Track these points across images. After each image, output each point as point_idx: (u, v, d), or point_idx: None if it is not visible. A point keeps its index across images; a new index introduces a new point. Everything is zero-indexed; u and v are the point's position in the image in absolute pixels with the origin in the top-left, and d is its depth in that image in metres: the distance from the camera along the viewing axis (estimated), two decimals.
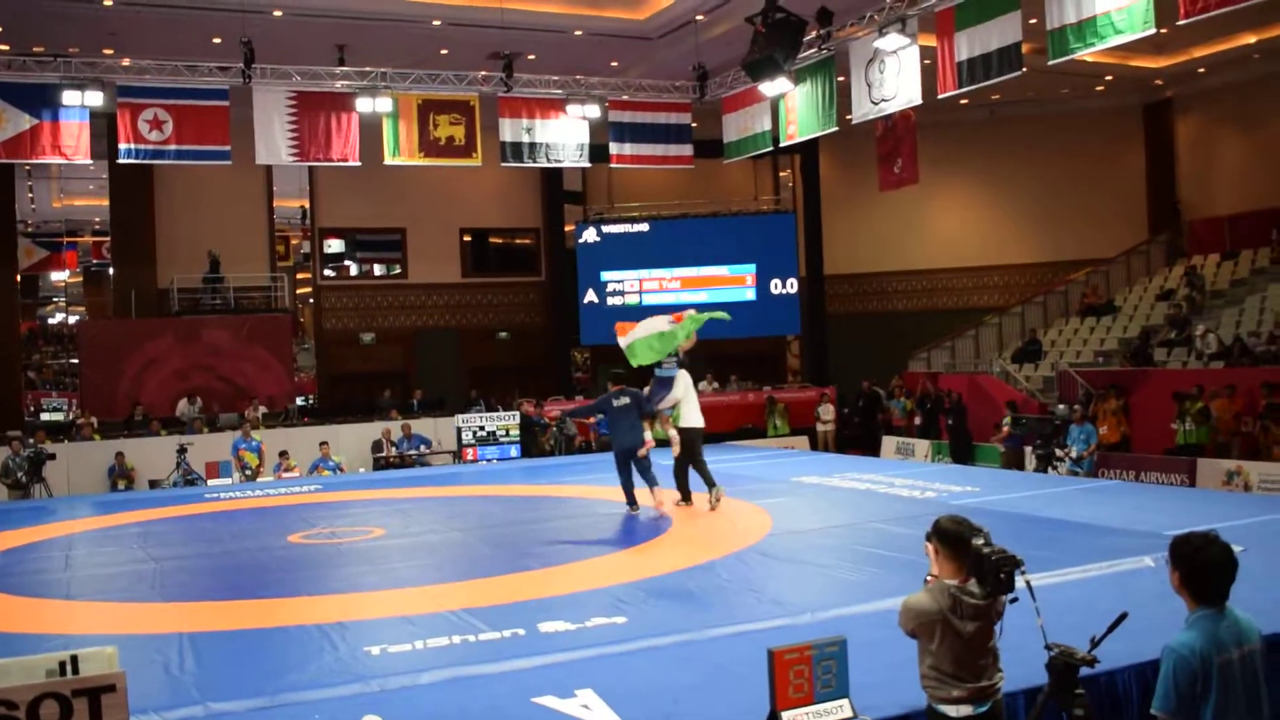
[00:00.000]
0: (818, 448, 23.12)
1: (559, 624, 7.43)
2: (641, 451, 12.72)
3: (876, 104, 17.40)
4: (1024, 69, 15.05)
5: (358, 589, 9.23)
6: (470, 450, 19.77)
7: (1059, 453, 17.17)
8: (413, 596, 8.79)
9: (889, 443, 22.78)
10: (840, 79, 18.35)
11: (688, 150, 21.96)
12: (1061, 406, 18.50)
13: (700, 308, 14.47)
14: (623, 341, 13.55)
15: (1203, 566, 4.05)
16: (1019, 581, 4.43)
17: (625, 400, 12.94)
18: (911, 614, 4.59)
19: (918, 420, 22.71)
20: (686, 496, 13.10)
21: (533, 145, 20.60)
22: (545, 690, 6.07)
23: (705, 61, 21.12)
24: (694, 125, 22.17)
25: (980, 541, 4.51)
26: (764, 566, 9.37)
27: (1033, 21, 15.04)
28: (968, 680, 4.52)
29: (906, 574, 4.66)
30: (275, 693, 6.29)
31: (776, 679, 4.66)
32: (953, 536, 4.59)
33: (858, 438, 24.24)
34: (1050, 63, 14.64)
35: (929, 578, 4.70)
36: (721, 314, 13.89)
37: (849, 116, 18.18)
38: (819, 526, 11.21)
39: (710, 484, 12.67)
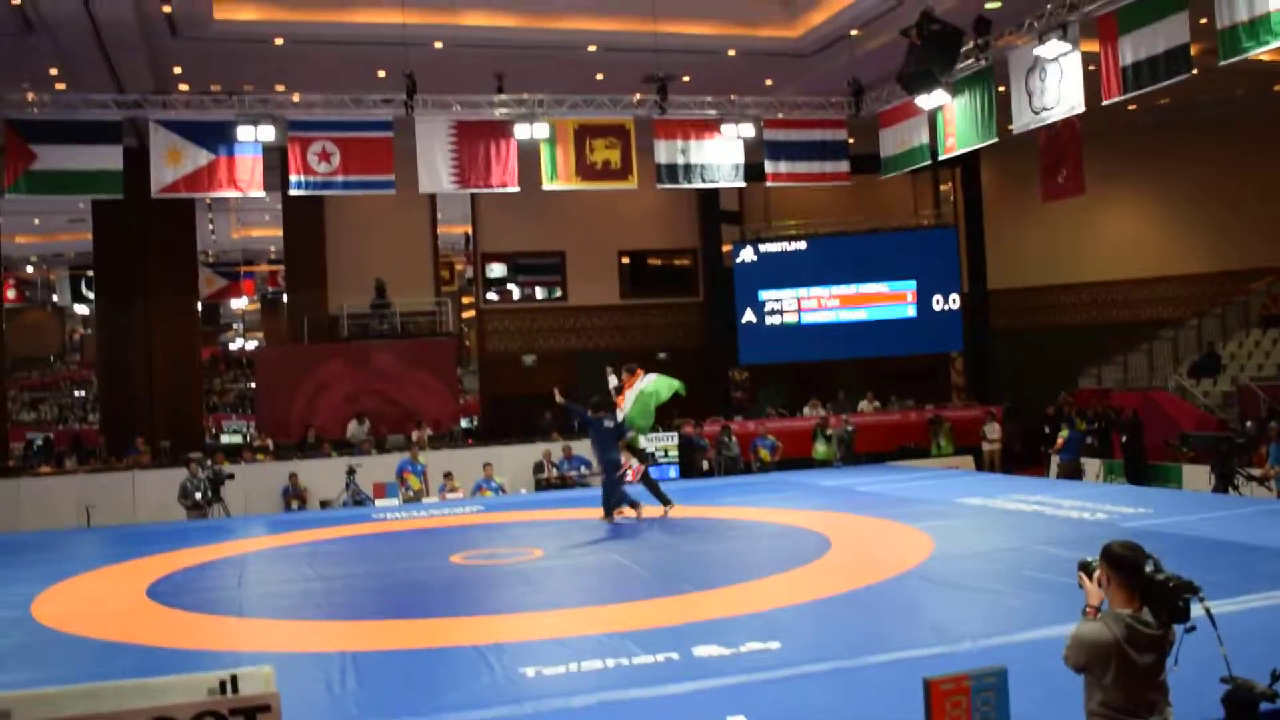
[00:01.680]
0: (983, 468, 22.53)
1: (713, 648, 7.39)
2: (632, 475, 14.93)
3: (1038, 113, 16.94)
4: (1193, 71, 14.43)
5: (516, 610, 9.35)
6: (630, 471, 19.83)
7: (1248, 473, 16.32)
8: (569, 618, 8.86)
9: (1057, 463, 22.04)
10: (1000, 88, 17.93)
11: (844, 166, 21.73)
12: (1249, 423, 17.65)
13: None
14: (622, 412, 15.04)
15: None
16: (1197, 609, 4.22)
17: (611, 424, 14.72)
18: (1084, 645, 4.36)
19: (1090, 441, 21.91)
20: (666, 502, 14.96)
21: (688, 166, 20.66)
22: (697, 716, 6.04)
23: (860, 76, 20.89)
24: (850, 141, 21.93)
25: (1151, 567, 4.32)
26: (923, 591, 9.17)
27: (1202, 21, 14.43)
28: (1140, 715, 4.31)
29: (1072, 600, 4.49)
30: (432, 712, 6.40)
31: (933, 710, 4.54)
32: (1126, 562, 4.38)
33: (1024, 456, 23.53)
34: (1221, 63, 14.01)
35: (1088, 609, 4.50)
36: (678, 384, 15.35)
37: (1010, 127, 17.74)
38: (982, 550, 10.91)
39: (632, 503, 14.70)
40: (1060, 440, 20.47)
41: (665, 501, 14.98)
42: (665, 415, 24.19)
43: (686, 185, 21.10)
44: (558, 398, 15.54)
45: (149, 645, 8.61)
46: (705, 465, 21.34)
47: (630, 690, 6.64)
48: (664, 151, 20.38)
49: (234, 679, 3.97)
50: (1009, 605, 8.34)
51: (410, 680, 7.19)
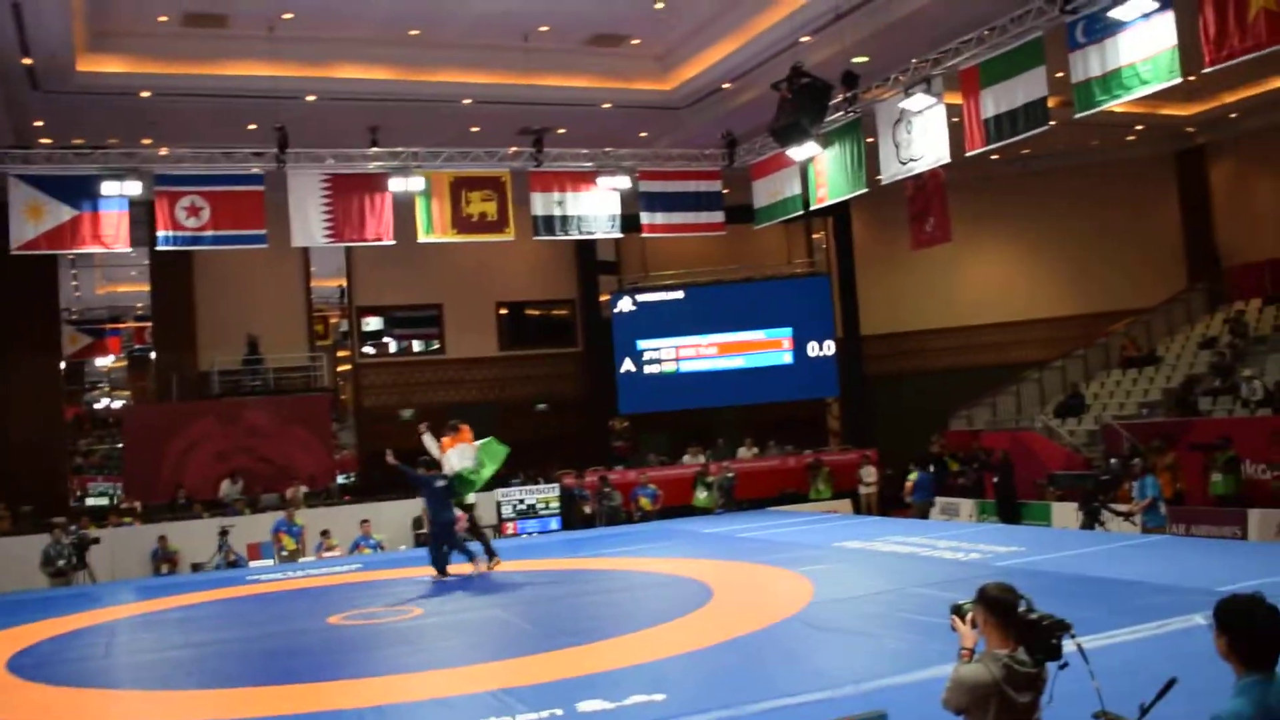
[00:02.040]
0: (860, 510, 22.87)
1: (597, 703, 7.33)
2: (459, 527, 15.03)
3: (905, 164, 17.39)
4: (1051, 123, 15.00)
5: (397, 670, 9.17)
6: (511, 524, 19.72)
7: (1114, 509, 16.81)
8: (451, 677, 8.73)
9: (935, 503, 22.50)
10: (869, 140, 18.39)
11: (719, 217, 21.99)
12: (1114, 460, 18.23)
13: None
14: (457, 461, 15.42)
15: (1249, 630, 3.92)
16: (1069, 645, 4.31)
17: (443, 483, 14.96)
18: (964, 687, 4.38)
19: (961, 481, 22.46)
20: (493, 555, 15.15)
21: (565, 218, 20.71)
22: None
23: (733, 128, 21.24)
24: (724, 192, 22.22)
25: (1024, 607, 4.40)
26: (805, 637, 9.24)
27: (1059, 75, 15.01)
28: None
29: (949, 641, 4.56)
30: None
31: None
32: (1001, 604, 4.45)
33: (898, 499, 23.96)
34: (1077, 116, 14.59)
35: (963, 651, 4.57)
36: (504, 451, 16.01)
37: (879, 177, 18.18)
38: (860, 593, 11.05)
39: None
40: (909, 484, 21.27)
41: (492, 554, 15.08)
42: (545, 466, 24.12)
43: (564, 236, 21.15)
44: (390, 459, 15.55)
45: None
46: (588, 513, 21.24)
47: None
48: (540, 203, 20.41)
49: None
50: (888, 648, 8.44)
51: None
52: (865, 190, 18.81)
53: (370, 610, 12.20)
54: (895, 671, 7.55)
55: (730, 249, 26.64)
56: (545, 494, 20.23)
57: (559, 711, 7.20)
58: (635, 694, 7.49)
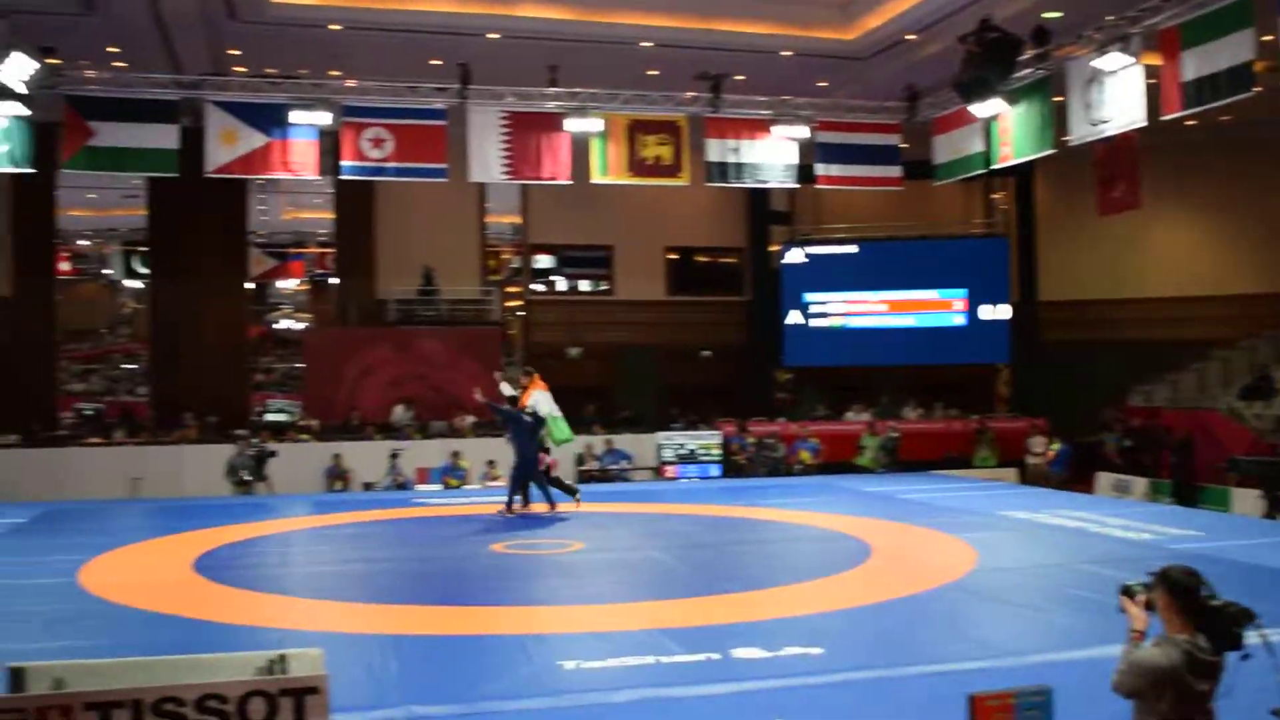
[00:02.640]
0: (1026, 481, 22.34)
1: (753, 650, 7.38)
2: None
3: (1095, 125, 16.75)
4: (1256, 89, 14.22)
5: (556, 602, 9.39)
6: (670, 468, 19.88)
7: None
8: (608, 613, 8.88)
9: (1103, 478, 21.80)
10: (1057, 99, 17.76)
11: (896, 172, 21.60)
12: None
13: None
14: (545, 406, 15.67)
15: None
16: (1253, 636, 4.16)
17: (530, 419, 15.09)
18: (1143, 671, 4.23)
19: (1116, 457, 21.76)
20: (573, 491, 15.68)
21: (739, 166, 20.61)
22: (737, 717, 6.03)
23: (916, 81, 20.76)
24: (903, 146, 21.79)
25: (1206, 593, 4.26)
26: (966, 604, 9.12)
27: (1266, 39, 14.22)
28: None
29: (1118, 621, 4.44)
30: (473, 700, 6.45)
31: None
32: (1186, 588, 4.31)
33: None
34: None
35: (1134, 634, 4.42)
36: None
37: (1066, 137, 17.57)
38: (1026, 565, 10.84)
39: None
40: (1051, 453, 20.70)
41: (573, 492, 15.55)
42: (706, 413, 24.20)
43: (737, 184, 21.06)
44: (478, 396, 15.89)
45: (194, 619, 8.72)
46: (742, 462, 21.28)
47: (670, 688, 6.65)
48: (715, 150, 20.33)
49: (283, 659, 4.02)
50: (1053, 622, 8.28)
51: (450, 667, 7.23)
52: (1052, 151, 18.20)
53: (531, 541, 12.49)
54: (1060, 647, 7.41)
55: (905, 205, 26.10)
56: (706, 440, 20.30)
57: (715, 656, 7.28)
58: (791, 645, 7.52)
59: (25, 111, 17.64)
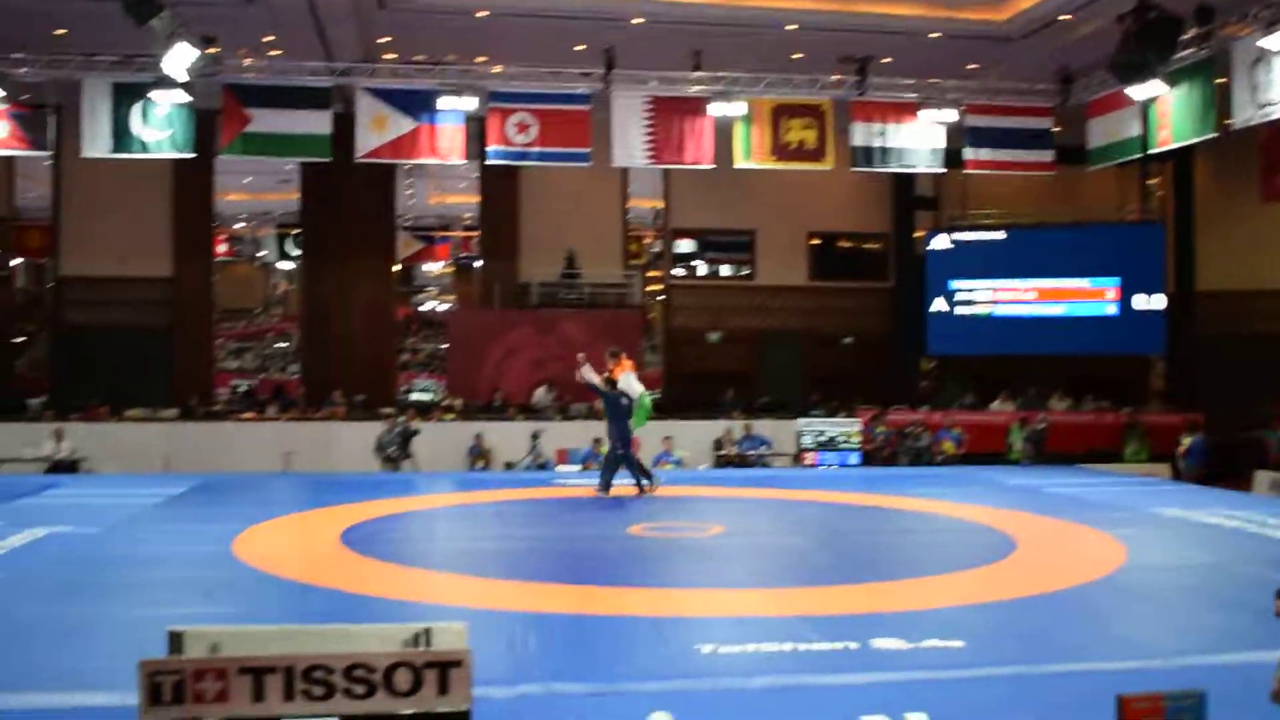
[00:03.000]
0: (1180, 478, 21.57)
1: (893, 641, 7.28)
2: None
3: (1261, 108, 16.05)
4: None
5: (694, 585, 9.40)
6: (810, 454, 19.74)
7: None
8: (747, 598, 8.86)
9: (1262, 477, 20.89)
10: (1220, 80, 17.05)
11: (1048, 156, 21.07)
12: None
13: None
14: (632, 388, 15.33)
15: None
16: None
17: (626, 402, 15.05)
18: None
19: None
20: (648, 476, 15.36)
21: (885, 150, 20.34)
22: (875, 709, 5.95)
23: (1069, 63, 20.18)
24: (1055, 130, 21.20)
25: None
26: (1114, 601, 8.85)
27: None
28: None
29: (1276, 626, 4.26)
30: (611, 680, 6.48)
31: None
32: None
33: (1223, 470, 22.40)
34: None
35: None
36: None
37: (1229, 121, 16.86)
38: (1178, 563, 10.48)
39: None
40: (1180, 448, 19.97)
41: (648, 476, 15.33)
42: (847, 400, 23.95)
43: (883, 169, 20.80)
44: (583, 375, 15.77)
45: (340, 590, 8.96)
46: (885, 453, 21.01)
47: (808, 676, 6.61)
48: (861, 134, 20.10)
49: (428, 632, 4.09)
50: (1206, 624, 7.98)
51: (588, 646, 7.30)
52: (1214, 135, 17.50)
53: (670, 524, 12.52)
54: (1213, 650, 7.13)
55: (1057, 190, 25.38)
56: (847, 427, 20.08)
57: (854, 645, 7.20)
58: (932, 638, 7.39)
59: (186, 99, 18.36)
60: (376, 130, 19.07)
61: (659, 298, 29.06)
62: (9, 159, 24.47)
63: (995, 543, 11.55)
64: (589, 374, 15.53)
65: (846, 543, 11.84)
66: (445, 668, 3.85)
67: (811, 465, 19.72)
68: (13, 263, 26.58)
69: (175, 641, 4.00)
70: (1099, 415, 23.80)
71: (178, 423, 21.90)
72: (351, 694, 3.77)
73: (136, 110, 18.56)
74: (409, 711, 3.82)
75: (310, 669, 3.76)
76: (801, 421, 20.41)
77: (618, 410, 15.00)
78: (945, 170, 21.76)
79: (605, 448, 19.63)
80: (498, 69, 19.35)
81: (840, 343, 27.63)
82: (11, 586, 8.98)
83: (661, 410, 24.79)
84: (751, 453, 21.02)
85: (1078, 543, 11.64)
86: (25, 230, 26.70)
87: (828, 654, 7.05)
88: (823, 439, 19.96)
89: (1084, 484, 16.80)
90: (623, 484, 15.03)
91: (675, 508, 14.10)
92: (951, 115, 20.14)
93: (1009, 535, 11.92)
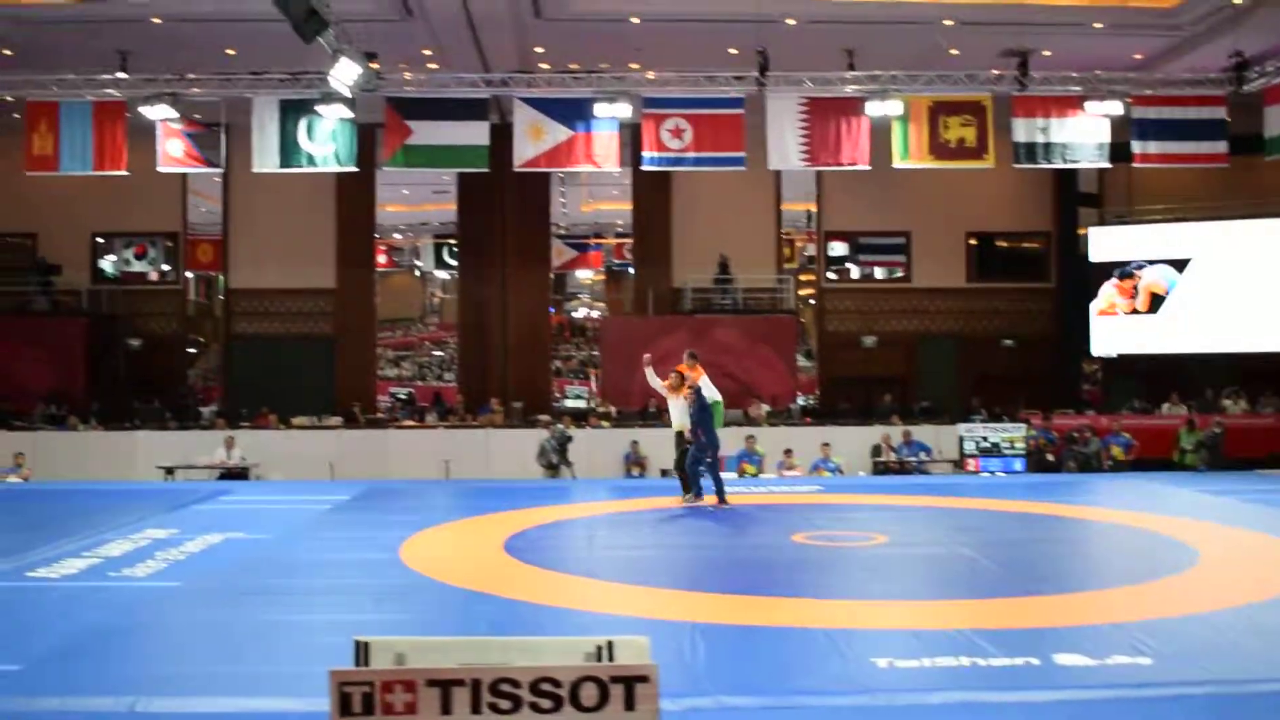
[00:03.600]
0: None
1: (1076, 657, 6.98)
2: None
3: None
4: None
5: (862, 596, 9.20)
6: (972, 461, 19.28)
7: None
8: (918, 610, 8.63)
9: None
10: None
11: (1221, 147, 20.21)
12: None
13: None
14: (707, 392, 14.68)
15: None
16: None
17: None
18: None
19: None
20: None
21: (1048, 145, 19.77)
22: None
23: (1243, 49, 19.29)
24: (1228, 120, 20.30)
25: None
26: None
27: None
28: None
29: None
30: (783, 694, 6.35)
31: None
32: None
33: None
34: None
35: None
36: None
37: None
38: None
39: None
40: None
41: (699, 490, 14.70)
42: (1009, 405, 23.34)
43: (1045, 165, 20.22)
44: (649, 381, 15.39)
45: (507, 598, 9.00)
46: (1051, 459, 20.38)
47: (988, 693, 6.37)
48: (1022, 130, 19.58)
49: (610, 645, 4.04)
50: None
51: (759, 659, 7.18)
52: None
53: (833, 533, 12.30)
54: None
55: (1230, 182, 24.30)
56: (1010, 433, 19.54)
57: (1035, 660, 6.93)
58: (1117, 654, 7.06)
59: (349, 114, 18.83)
60: (533, 139, 19.30)
61: (810, 302, 28.78)
62: (183, 177, 25.49)
63: (1175, 553, 11.05)
64: (653, 378, 15.20)
65: (1017, 552, 11.45)
66: (632, 682, 3.79)
67: (974, 472, 19.25)
68: (186, 275, 27.60)
69: (362, 651, 4.03)
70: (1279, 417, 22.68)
71: (342, 430, 22.48)
72: (538, 708, 3.74)
73: (302, 126, 19.15)
74: None
75: (497, 682, 3.74)
76: (963, 427, 19.96)
77: (705, 415, 14.52)
78: (1110, 165, 21.02)
79: (761, 448, 19.54)
80: (651, 75, 19.41)
81: (1000, 345, 26.94)
82: (192, 593, 9.27)
83: (817, 416, 24.64)
84: (911, 459, 20.62)
85: (1266, 553, 11.07)
86: (197, 244, 27.76)
87: (1008, 669, 6.80)
88: (985, 445, 19.47)
89: (1265, 490, 16.01)
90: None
91: (837, 516, 13.87)
92: (1117, 108, 19.49)
93: (1189, 545, 11.40)
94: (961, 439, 19.56)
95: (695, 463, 14.43)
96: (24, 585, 9.48)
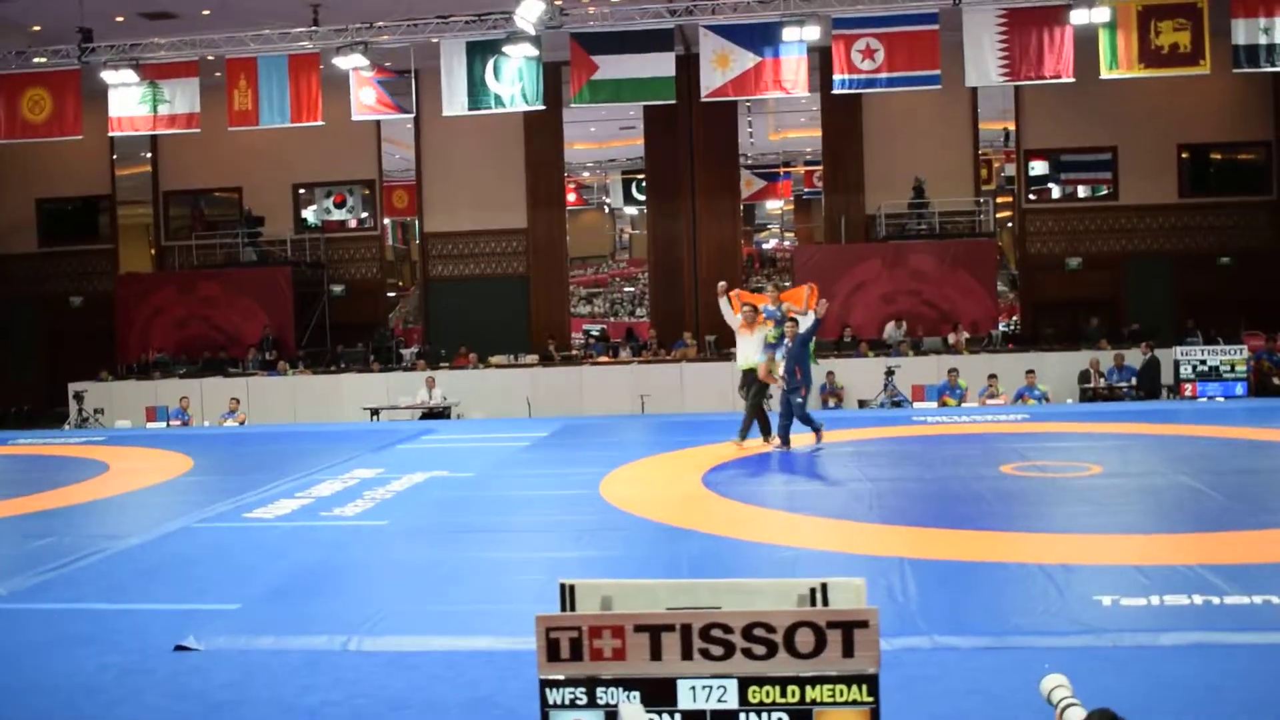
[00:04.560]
0: None
1: None
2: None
3: None
4: None
5: (1078, 530, 8.77)
6: (1189, 385, 18.27)
7: None
8: (1140, 544, 8.17)
9: None
10: None
11: None
12: None
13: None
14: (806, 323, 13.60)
15: None
16: None
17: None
18: None
19: None
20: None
21: (1271, 47, 18.33)
22: None
23: None
24: None
25: None
26: None
27: None
28: None
29: None
30: (1001, 633, 6.08)
31: None
32: None
33: None
34: None
35: None
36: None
37: None
38: None
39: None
40: None
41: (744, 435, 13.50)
42: (1228, 326, 22.09)
43: (1269, 69, 18.78)
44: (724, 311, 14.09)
45: (709, 533, 8.92)
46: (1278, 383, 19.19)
47: (1224, 633, 5.96)
48: (1243, 31, 18.21)
49: (824, 587, 3.85)
50: None
51: (973, 596, 6.91)
52: None
53: (1043, 463, 11.80)
54: None
55: None
56: (1230, 355, 18.41)
57: (1274, 599, 6.45)
58: None
59: (534, 52, 18.83)
60: (720, 68, 18.95)
61: (1009, 225, 27.72)
62: (377, 125, 26.06)
63: None
64: (727, 309, 14.03)
65: (1245, 482, 10.76)
66: (850, 628, 3.60)
67: (1191, 397, 18.25)
68: (384, 222, 28.31)
69: (567, 595, 3.94)
70: None
71: (538, 368, 22.77)
72: (751, 654, 3.58)
73: (489, 67, 19.23)
74: (811, 674, 3.60)
75: (708, 627, 3.60)
76: (1178, 350, 18.89)
77: (806, 349, 13.37)
78: None
79: (964, 380, 18.92)
80: None
81: (1217, 263, 25.45)
82: (399, 531, 9.48)
83: (1021, 342, 23.79)
84: (1122, 385, 19.69)
85: None
86: (393, 191, 28.40)
87: (1243, 608, 6.35)
88: (1203, 369, 18.41)
89: None
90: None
91: (1046, 445, 13.31)
92: None
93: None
94: (1177, 363, 18.53)
95: (798, 408, 13.24)
96: (242, 526, 9.87)
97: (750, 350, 13.61)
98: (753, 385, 13.54)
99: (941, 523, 9.14)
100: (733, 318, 13.94)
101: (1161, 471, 11.28)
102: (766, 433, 13.59)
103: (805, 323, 13.51)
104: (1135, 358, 20.19)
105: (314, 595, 7.53)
